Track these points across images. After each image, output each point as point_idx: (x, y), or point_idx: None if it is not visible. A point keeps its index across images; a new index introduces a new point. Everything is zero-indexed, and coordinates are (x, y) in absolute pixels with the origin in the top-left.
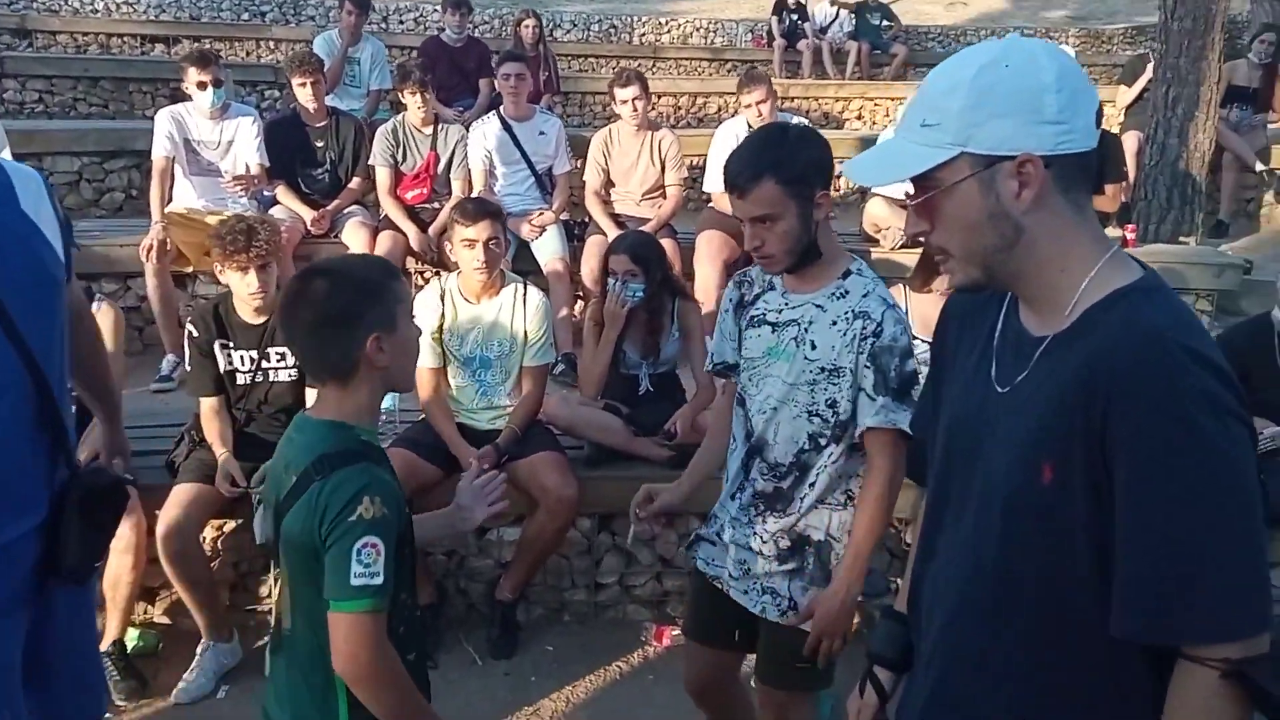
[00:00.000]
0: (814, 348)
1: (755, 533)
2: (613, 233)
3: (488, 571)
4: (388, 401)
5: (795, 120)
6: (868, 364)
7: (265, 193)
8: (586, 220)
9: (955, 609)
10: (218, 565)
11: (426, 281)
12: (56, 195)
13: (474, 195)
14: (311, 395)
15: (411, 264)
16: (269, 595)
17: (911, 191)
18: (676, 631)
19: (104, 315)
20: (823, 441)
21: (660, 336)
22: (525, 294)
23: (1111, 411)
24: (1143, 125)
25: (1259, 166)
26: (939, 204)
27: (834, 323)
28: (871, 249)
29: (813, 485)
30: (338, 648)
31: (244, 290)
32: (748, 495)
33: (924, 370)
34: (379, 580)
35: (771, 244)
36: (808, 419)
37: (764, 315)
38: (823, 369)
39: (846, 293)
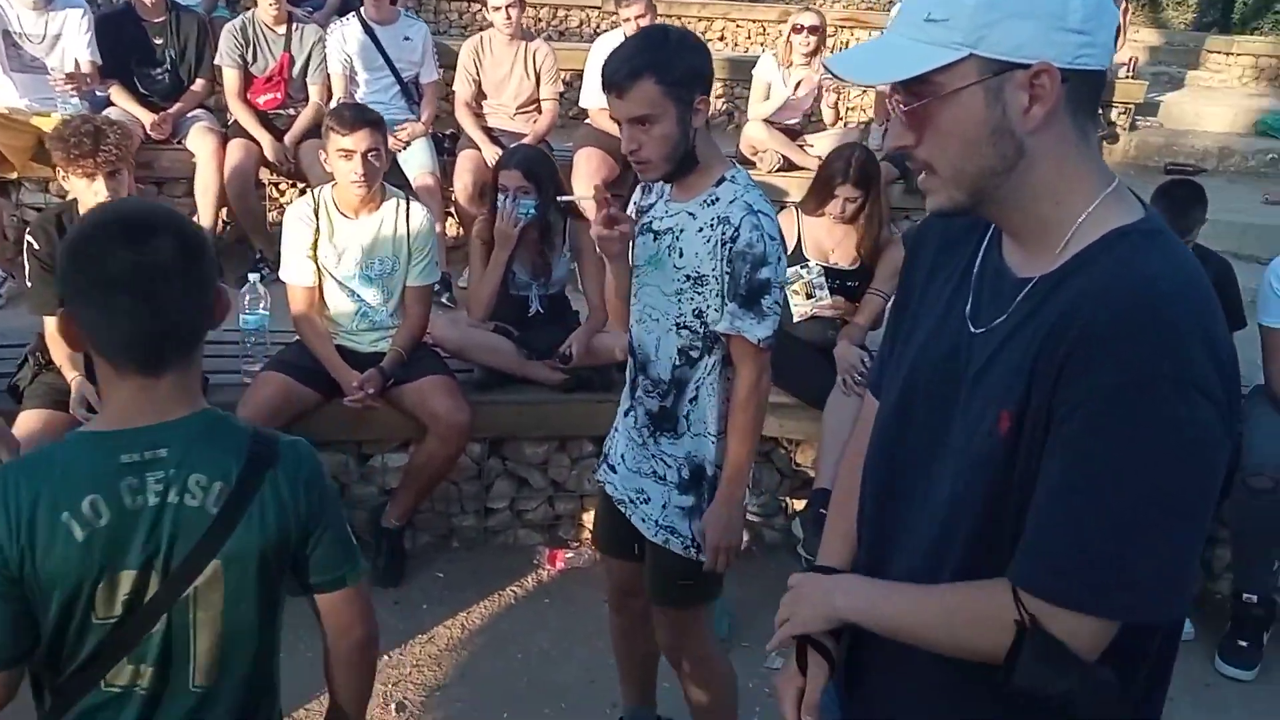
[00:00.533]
0: (681, 255)
1: (653, 455)
2: (486, 147)
3: (371, 499)
4: (257, 320)
5: None
6: (726, 269)
7: (98, 93)
8: (456, 133)
9: (921, 567)
10: None
11: (282, 194)
12: None
13: (345, 101)
14: None
15: (266, 175)
16: None
17: (901, 97)
18: (570, 555)
19: None
20: (694, 355)
21: (551, 256)
22: (408, 209)
23: (1075, 357)
24: None
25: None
26: (934, 113)
27: (700, 229)
28: (749, 171)
29: (694, 402)
30: (362, 619)
31: (90, 199)
32: (640, 414)
33: (788, 285)
34: None
35: (649, 148)
36: (677, 331)
37: (650, 223)
38: (688, 277)
39: (716, 199)
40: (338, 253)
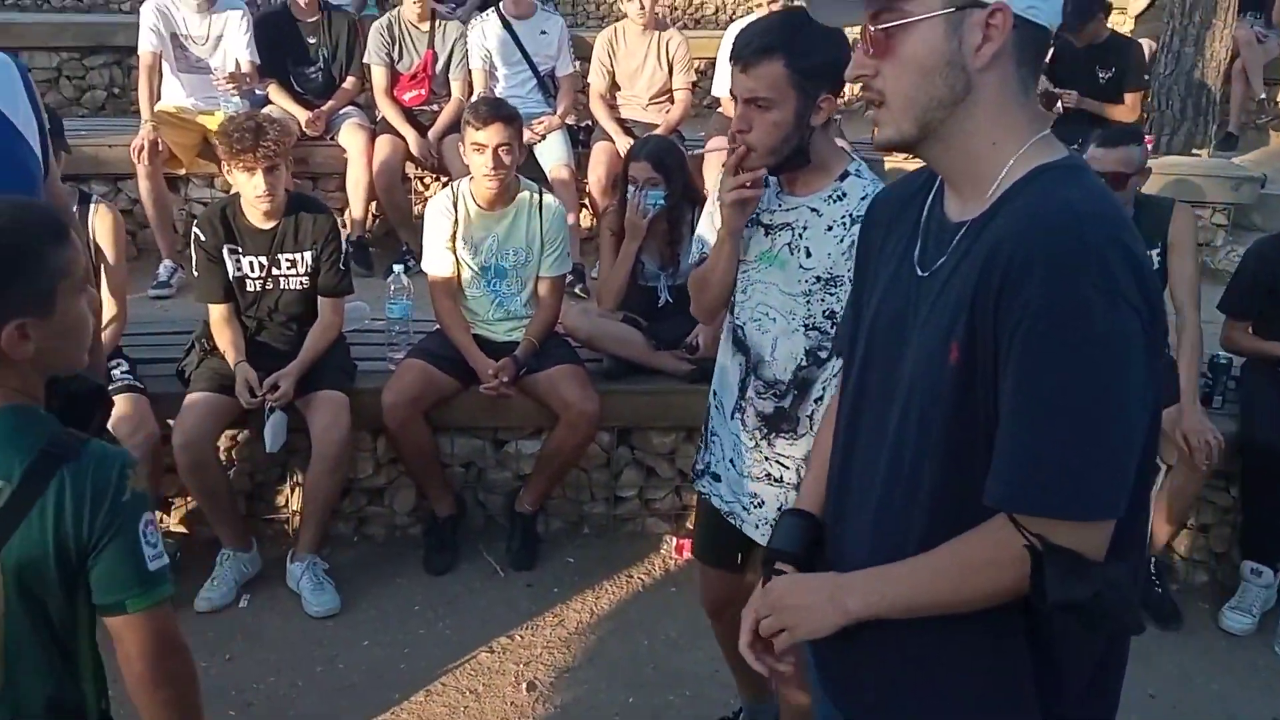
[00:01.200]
0: (809, 255)
1: (766, 457)
2: (620, 138)
3: (506, 484)
4: (401, 309)
5: None
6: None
7: (257, 92)
8: (591, 125)
9: (877, 506)
10: (233, 475)
11: (426, 188)
12: (35, 87)
13: (484, 96)
14: (324, 305)
15: (411, 169)
16: (285, 505)
17: (870, 28)
18: None
19: (101, 218)
20: (823, 355)
21: (679, 247)
22: (541, 201)
23: (1009, 281)
24: (1155, 33)
25: (1261, 94)
26: (897, 40)
27: (830, 227)
28: (885, 157)
29: (819, 402)
30: (145, 652)
31: (250, 192)
32: (750, 417)
33: None
34: (166, 559)
35: (758, 132)
36: (804, 333)
37: (757, 215)
38: (819, 278)
39: (844, 195)
40: (474, 244)
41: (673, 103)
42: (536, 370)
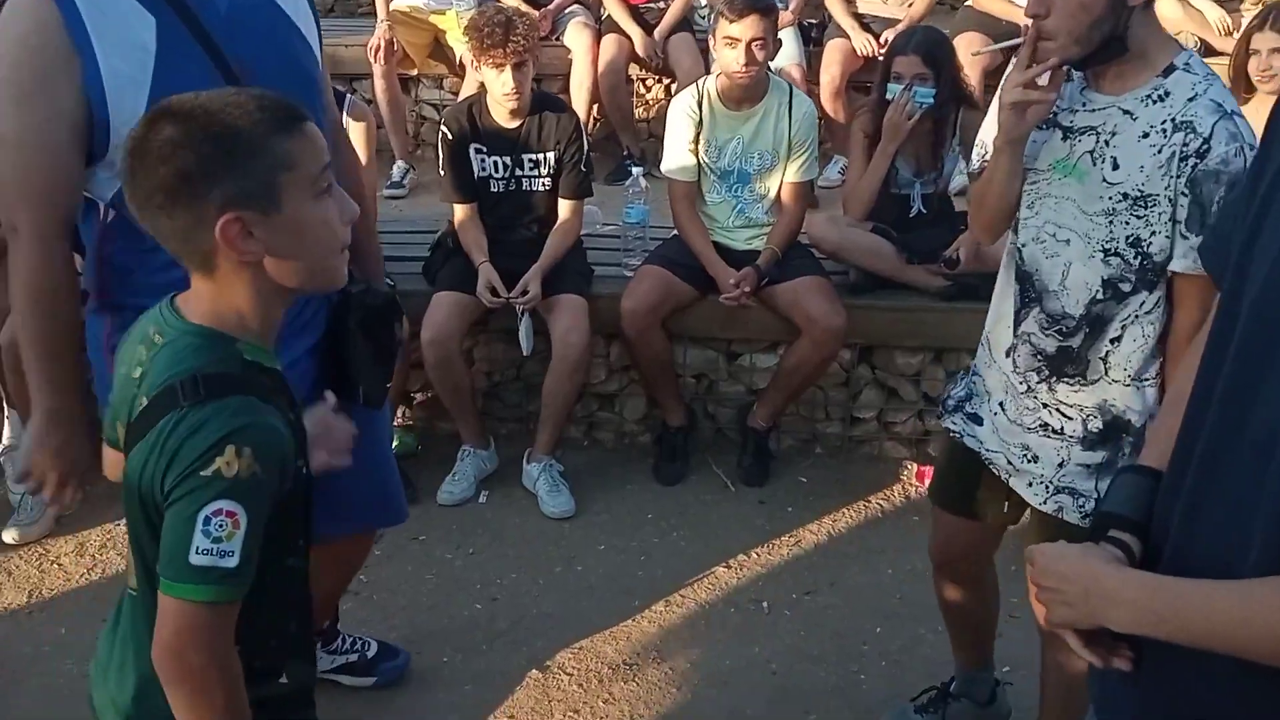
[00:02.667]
0: (1116, 167)
1: (1044, 404)
2: (856, 34)
3: (738, 397)
4: (638, 214)
5: None
6: (1185, 190)
7: None
8: (825, 20)
9: (1226, 490)
10: (473, 374)
11: (648, 90)
12: None
13: None
14: (564, 208)
15: (634, 71)
16: (519, 405)
17: None
18: None
19: (355, 126)
20: (1125, 289)
21: (941, 150)
22: (791, 101)
23: None
24: None
25: None
26: None
27: (1145, 134)
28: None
29: (1116, 343)
30: (162, 638)
31: (499, 90)
32: (1025, 355)
33: None
34: (231, 561)
35: (1059, 15)
36: (1103, 259)
37: (1055, 115)
38: (1126, 195)
39: (1166, 94)
40: (718, 146)
41: None
42: (779, 281)
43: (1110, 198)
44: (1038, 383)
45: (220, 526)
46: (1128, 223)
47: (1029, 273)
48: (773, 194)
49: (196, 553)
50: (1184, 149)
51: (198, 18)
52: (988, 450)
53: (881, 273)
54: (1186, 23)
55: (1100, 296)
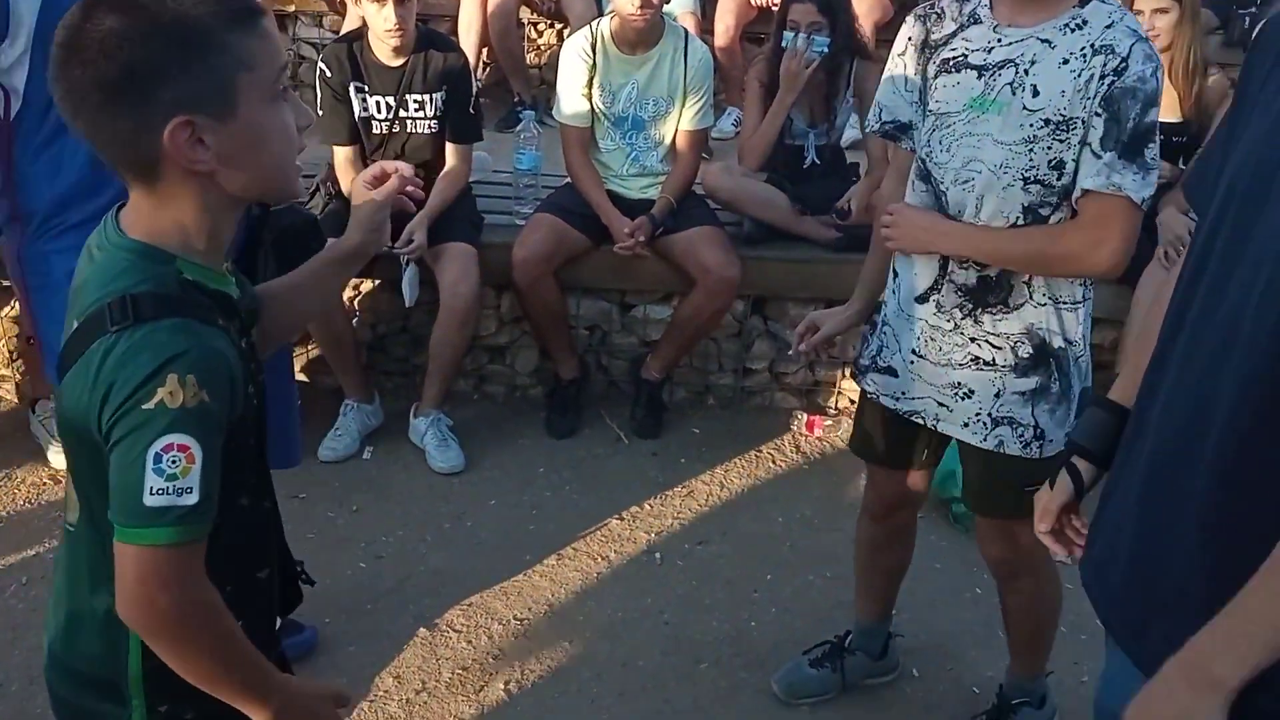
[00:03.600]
0: (1036, 94)
1: (973, 339)
2: None
3: (631, 349)
4: (530, 160)
5: None
6: (1100, 109)
7: None
8: None
9: (1195, 384)
10: (356, 325)
11: (539, 34)
12: None
13: None
14: (452, 152)
15: (526, 15)
16: (405, 358)
17: None
18: (829, 422)
19: None
20: (1045, 212)
21: (835, 102)
22: (687, 46)
23: None
24: None
25: None
26: None
27: (1065, 60)
28: None
29: None
30: (124, 588)
31: (380, 26)
32: (948, 295)
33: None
34: (190, 499)
35: None
36: (1023, 187)
37: (965, 57)
38: (1047, 121)
39: (1085, 23)
40: (612, 91)
41: None
42: (673, 231)
43: (1031, 125)
44: (963, 318)
45: (174, 462)
46: (1049, 147)
47: (954, 215)
48: (667, 141)
49: (151, 493)
50: (1103, 69)
51: None
52: (908, 401)
53: (775, 223)
54: None
55: (1020, 222)
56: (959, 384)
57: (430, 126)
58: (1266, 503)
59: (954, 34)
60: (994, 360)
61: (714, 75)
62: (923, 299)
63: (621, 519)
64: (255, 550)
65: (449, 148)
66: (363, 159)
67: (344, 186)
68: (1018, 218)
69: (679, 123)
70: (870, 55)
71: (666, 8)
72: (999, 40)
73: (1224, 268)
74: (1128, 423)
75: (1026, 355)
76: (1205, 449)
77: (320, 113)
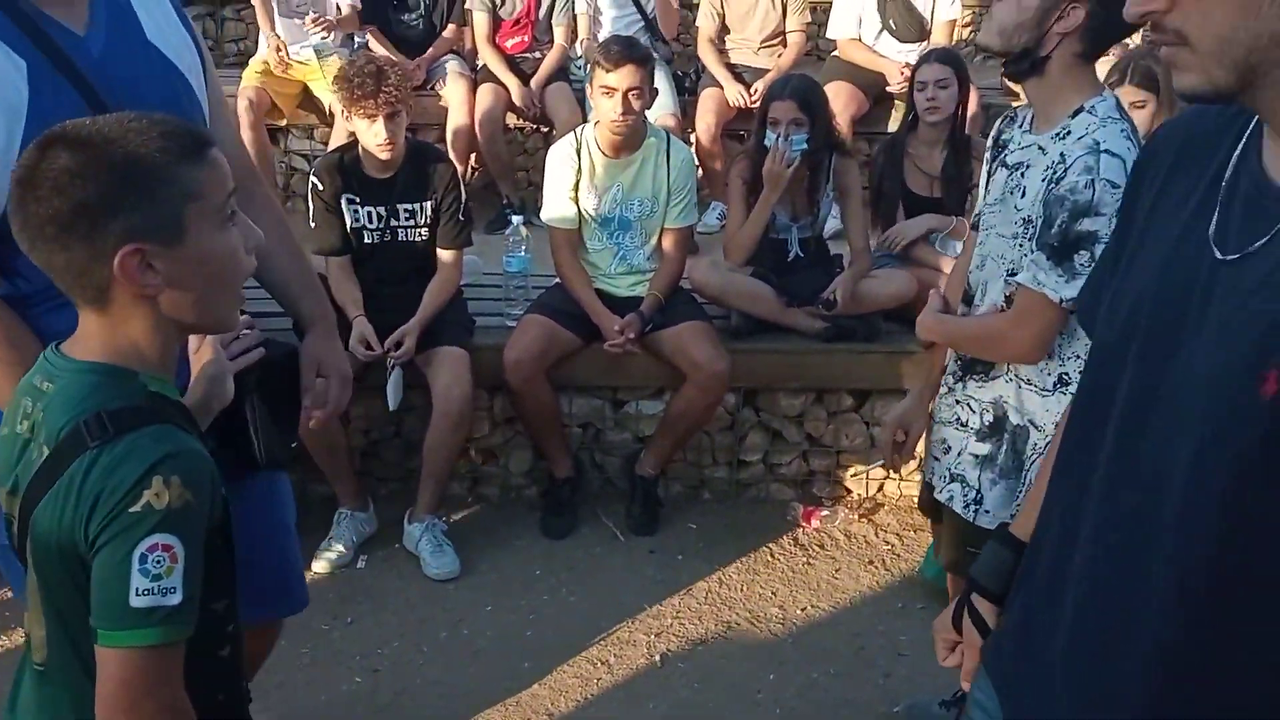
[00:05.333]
0: (1023, 195)
1: (959, 401)
2: (729, 85)
3: (625, 445)
4: (519, 263)
5: None
6: (1041, 211)
7: (356, 40)
8: (699, 70)
9: (1118, 554)
10: (349, 432)
11: (526, 138)
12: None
13: (616, 35)
14: (443, 258)
15: (512, 120)
16: (400, 464)
17: None
18: (825, 513)
19: None
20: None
21: (817, 196)
22: (669, 148)
23: None
24: None
25: None
26: None
27: (1046, 168)
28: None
29: None
30: (108, 693)
31: (371, 140)
32: (954, 361)
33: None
34: (174, 599)
35: (1002, 9)
36: (1006, 279)
37: (1006, 156)
38: (1025, 220)
39: (1068, 133)
40: (598, 193)
41: (785, 46)
42: (662, 327)
43: (1017, 223)
44: (955, 382)
45: (158, 563)
46: (1021, 244)
47: (972, 295)
48: (654, 240)
49: (137, 594)
50: (1050, 175)
51: (71, 61)
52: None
53: (762, 316)
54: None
55: (1004, 308)
56: (944, 439)
57: (421, 234)
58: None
59: (1012, 137)
60: (967, 422)
61: (697, 172)
62: (944, 370)
63: (620, 621)
64: (221, 670)
65: (440, 254)
66: (355, 268)
67: (336, 296)
68: (1001, 304)
69: (664, 221)
70: (849, 150)
71: (647, 111)
72: (1021, 143)
73: (1137, 412)
74: (1025, 557)
75: (988, 423)
76: (1139, 647)
77: (313, 224)
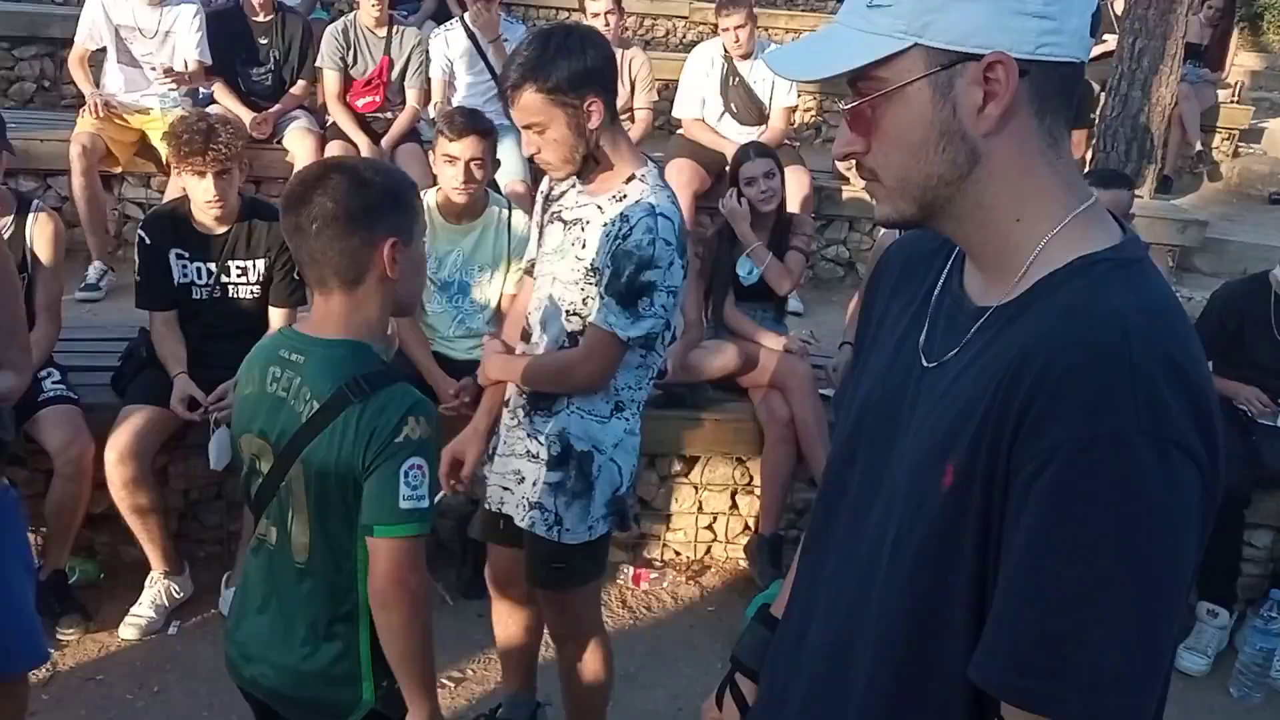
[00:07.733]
0: (584, 247)
1: (528, 434)
2: None
3: (460, 507)
4: None
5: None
6: (609, 262)
7: (202, 91)
8: None
9: (839, 630)
10: (166, 493)
11: None
12: None
13: (460, 106)
14: (276, 316)
15: None
16: (220, 525)
17: (848, 97)
18: (655, 575)
19: (42, 227)
20: (581, 338)
21: None
22: (510, 218)
23: (1031, 414)
24: (1101, 76)
25: (1197, 143)
26: (879, 112)
27: (606, 224)
28: (843, 186)
29: None
30: (382, 572)
31: (200, 197)
32: (515, 395)
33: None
34: (425, 503)
35: (547, 151)
36: (566, 318)
37: (559, 212)
38: (589, 268)
39: (624, 197)
40: (439, 258)
41: (633, 121)
42: None
43: (579, 270)
44: (524, 416)
45: (416, 478)
46: (583, 288)
47: (530, 333)
48: (493, 304)
49: (403, 500)
50: (617, 232)
51: None
52: (494, 478)
53: None
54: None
55: (565, 344)
56: (518, 471)
57: (252, 291)
58: None
59: (564, 192)
60: (538, 454)
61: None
62: (507, 403)
63: (446, 686)
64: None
65: (272, 311)
66: (180, 323)
67: (160, 353)
68: (564, 341)
69: (504, 287)
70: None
71: (497, 175)
72: (577, 202)
73: (862, 501)
74: (776, 631)
75: (557, 453)
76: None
77: (138, 278)
